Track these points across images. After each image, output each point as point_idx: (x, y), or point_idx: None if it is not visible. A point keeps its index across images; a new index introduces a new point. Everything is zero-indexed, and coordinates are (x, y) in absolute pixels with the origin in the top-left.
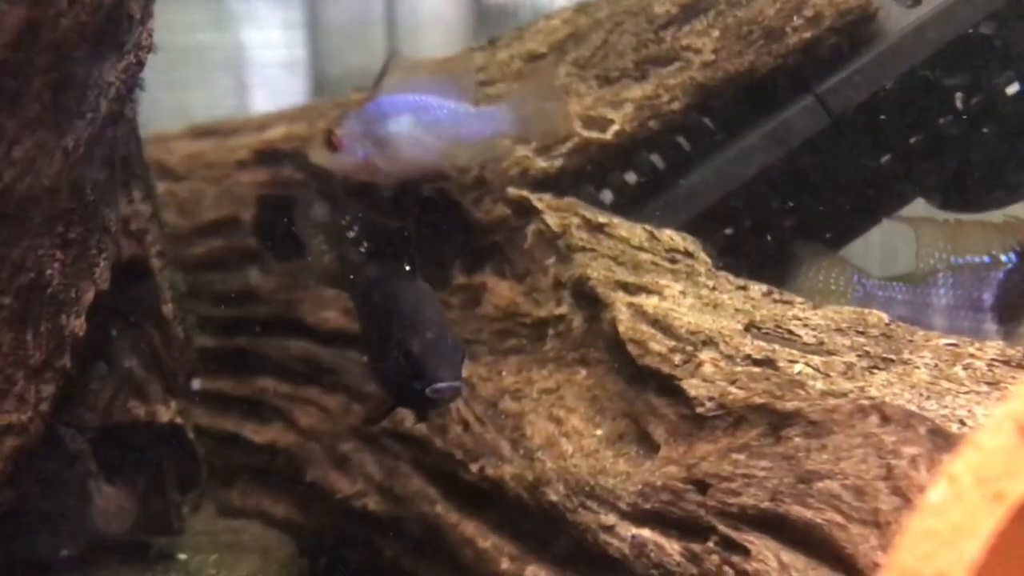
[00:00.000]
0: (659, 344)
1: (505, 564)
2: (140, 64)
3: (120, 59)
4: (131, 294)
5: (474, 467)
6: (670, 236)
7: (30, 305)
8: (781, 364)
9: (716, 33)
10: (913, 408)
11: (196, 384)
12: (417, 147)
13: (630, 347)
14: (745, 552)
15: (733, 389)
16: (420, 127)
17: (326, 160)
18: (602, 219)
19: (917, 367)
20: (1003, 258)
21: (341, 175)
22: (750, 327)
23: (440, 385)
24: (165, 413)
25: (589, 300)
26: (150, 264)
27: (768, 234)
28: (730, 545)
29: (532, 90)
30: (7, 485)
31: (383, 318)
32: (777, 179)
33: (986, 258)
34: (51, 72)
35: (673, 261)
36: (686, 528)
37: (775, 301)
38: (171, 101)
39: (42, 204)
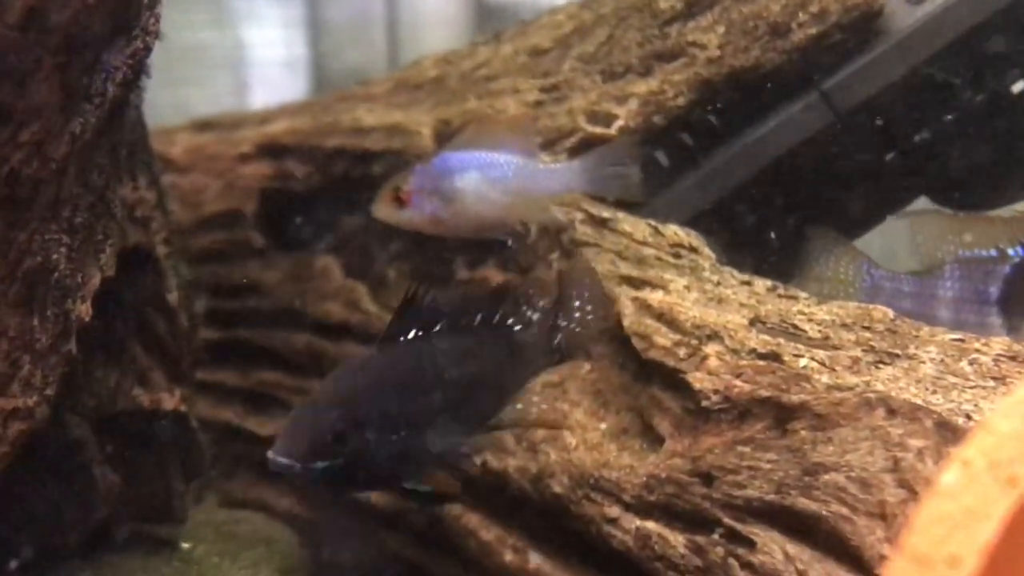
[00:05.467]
0: (664, 338)
1: (508, 556)
2: (147, 49)
3: (127, 44)
4: (136, 282)
5: (477, 459)
6: (674, 231)
7: (36, 289)
8: (787, 358)
9: (721, 29)
10: (919, 402)
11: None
12: (483, 202)
13: (635, 341)
14: (751, 544)
15: (738, 382)
16: (487, 182)
17: (393, 216)
18: (606, 214)
19: (923, 362)
20: (1010, 252)
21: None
22: (755, 322)
23: (268, 453)
24: (169, 401)
25: None
26: (155, 252)
27: (771, 231)
28: (735, 537)
29: (609, 151)
30: None
31: None
32: (781, 176)
33: (993, 252)
34: (59, 54)
35: (677, 256)
36: (691, 520)
37: (780, 296)
38: (171, 99)
39: (49, 188)
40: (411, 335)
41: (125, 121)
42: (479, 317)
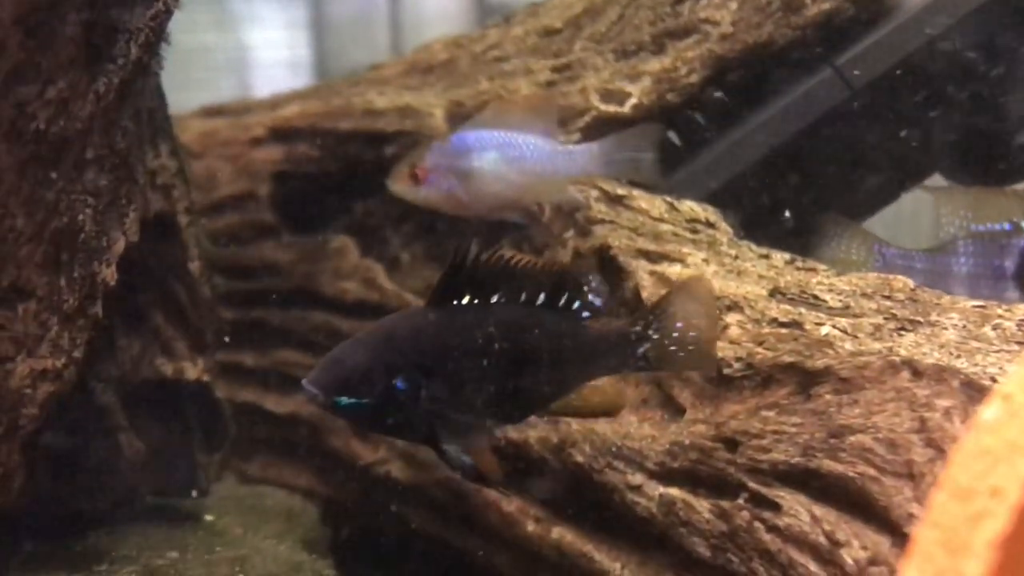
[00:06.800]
0: None
1: (531, 526)
2: (168, 12)
3: (149, 6)
4: (158, 250)
5: (498, 431)
6: (690, 207)
7: (63, 250)
8: (808, 326)
9: (734, 5)
10: (944, 364)
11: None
12: (501, 182)
13: None
14: (776, 508)
15: (760, 350)
16: (504, 162)
17: (408, 192)
18: (621, 191)
19: (945, 328)
20: None
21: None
22: (775, 292)
23: (303, 380)
24: (192, 371)
25: (610, 269)
26: (177, 220)
27: (786, 209)
28: (761, 501)
29: (628, 136)
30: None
31: None
32: (795, 153)
33: (1007, 225)
34: (84, 11)
35: (694, 231)
36: (715, 486)
37: (798, 268)
38: (174, 102)
39: (74, 147)
40: (463, 300)
41: (146, 86)
42: (542, 296)
